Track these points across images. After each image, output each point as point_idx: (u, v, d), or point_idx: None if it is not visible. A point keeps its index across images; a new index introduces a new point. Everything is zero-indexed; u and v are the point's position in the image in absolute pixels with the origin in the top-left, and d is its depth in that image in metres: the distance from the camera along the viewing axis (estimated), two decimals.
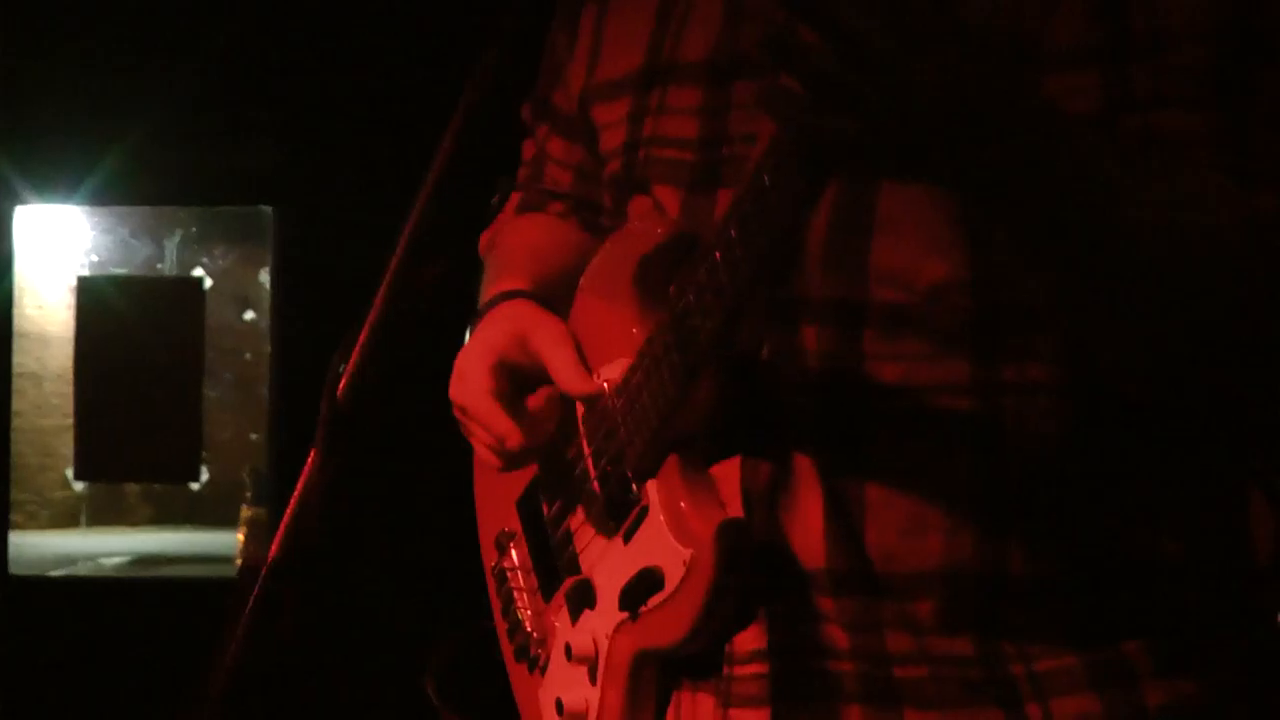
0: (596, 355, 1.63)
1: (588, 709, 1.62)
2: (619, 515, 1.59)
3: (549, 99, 1.87)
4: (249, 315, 10.96)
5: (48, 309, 10.52)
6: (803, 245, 1.48)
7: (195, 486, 10.75)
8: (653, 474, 1.54)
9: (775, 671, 1.50)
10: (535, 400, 1.72)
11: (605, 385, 1.60)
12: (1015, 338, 1.44)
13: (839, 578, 1.49)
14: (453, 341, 1.80)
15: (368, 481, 4.11)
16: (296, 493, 1.65)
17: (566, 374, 1.62)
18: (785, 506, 1.50)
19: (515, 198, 1.95)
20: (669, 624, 1.52)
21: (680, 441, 1.53)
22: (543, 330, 1.67)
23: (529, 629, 1.76)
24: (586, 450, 1.65)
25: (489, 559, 1.87)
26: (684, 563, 1.49)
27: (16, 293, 7.98)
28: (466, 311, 1.83)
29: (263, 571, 1.63)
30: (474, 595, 1.91)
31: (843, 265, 1.47)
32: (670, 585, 1.51)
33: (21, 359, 9.64)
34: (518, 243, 1.88)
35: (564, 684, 1.65)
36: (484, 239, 1.96)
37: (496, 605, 1.84)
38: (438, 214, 1.56)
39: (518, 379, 1.69)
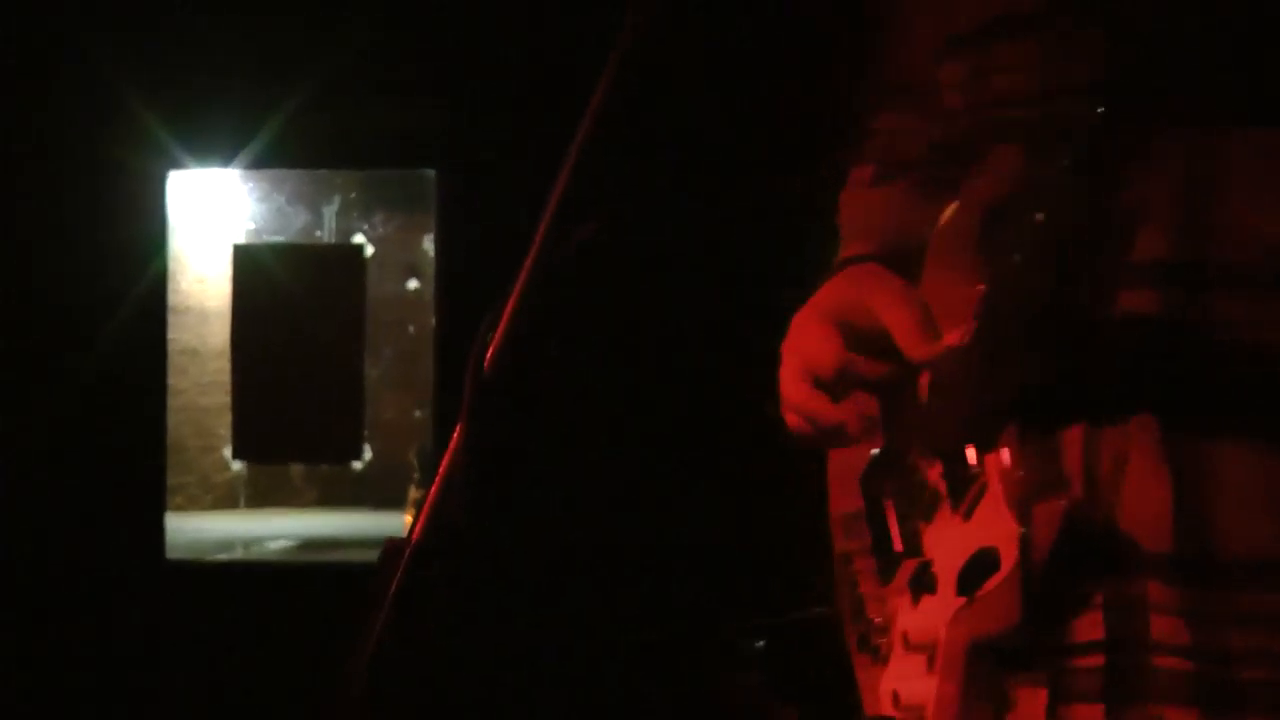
0: (945, 320, 1.63)
1: (924, 702, 1.60)
2: (960, 491, 1.59)
3: (891, 67, 1.89)
4: (412, 284, 11.07)
5: (207, 282, 10.70)
6: (1148, 202, 1.47)
7: (358, 466, 10.89)
8: (991, 446, 1.53)
9: (1110, 666, 1.48)
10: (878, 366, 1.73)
11: (947, 350, 1.60)
12: None
13: (1183, 564, 1.46)
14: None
15: (518, 457, 4.15)
16: (441, 470, 1.67)
17: (907, 336, 1.62)
18: (1128, 483, 1.48)
19: (869, 170, 1.95)
20: (1000, 609, 1.50)
21: (1018, 411, 1.52)
22: (886, 291, 1.66)
23: (870, 615, 1.75)
24: (926, 421, 1.65)
25: (836, 541, 1.87)
26: (1018, 542, 1.48)
27: (173, 264, 8.14)
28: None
29: (405, 554, 1.65)
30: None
31: (1191, 222, 1.46)
32: (1005, 567, 1.50)
33: (181, 335, 9.83)
34: (869, 212, 1.89)
35: (902, 674, 1.64)
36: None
37: (841, 590, 1.84)
38: (587, 177, 1.57)
39: (859, 342, 1.69)
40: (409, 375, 10.83)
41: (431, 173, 6.51)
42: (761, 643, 3.67)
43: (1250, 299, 1.44)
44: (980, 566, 1.52)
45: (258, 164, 6.52)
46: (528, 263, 1.63)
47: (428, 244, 10.23)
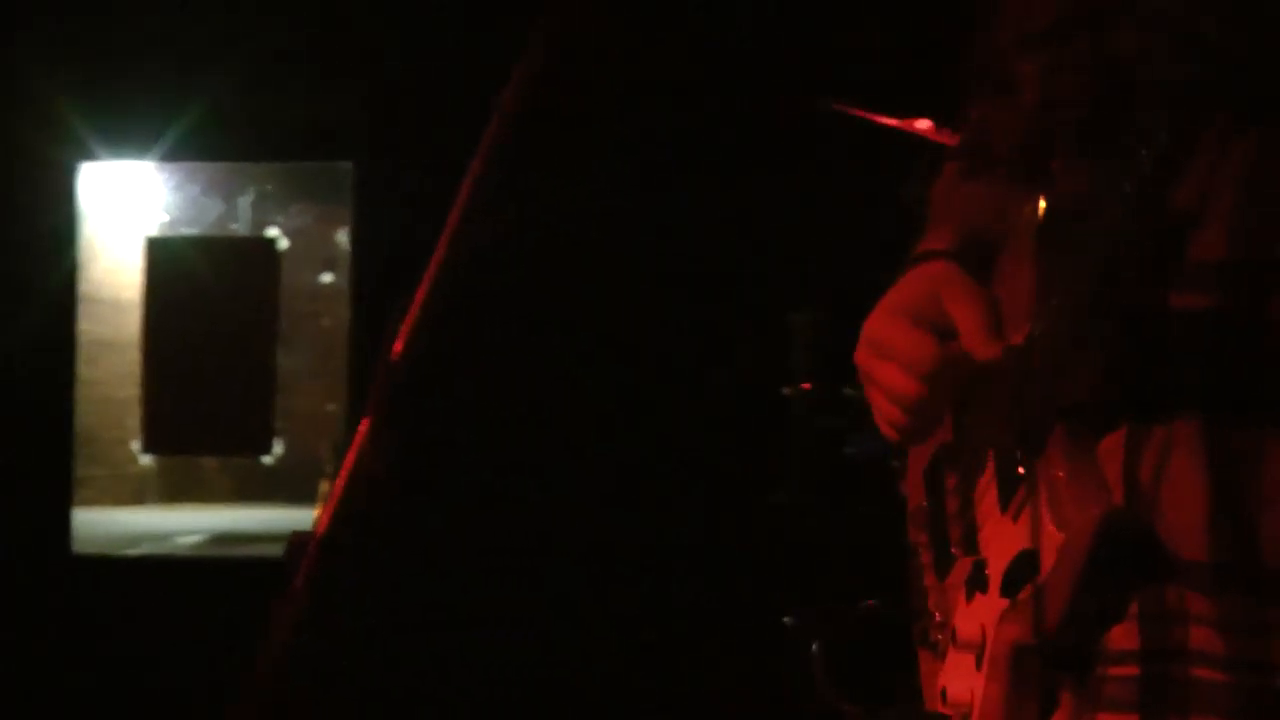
0: (1014, 320, 1.63)
1: (972, 700, 1.60)
2: (1009, 491, 1.58)
3: (980, 59, 1.88)
4: (327, 278, 11.01)
5: (121, 272, 10.61)
6: (1208, 204, 1.47)
7: (268, 460, 10.84)
8: (1041, 448, 1.53)
9: (1145, 676, 1.47)
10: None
11: (1007, 350, 1.60)
12: None
13: (1222, 573, 1.44)
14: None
15: (426, 450, 4.13)
16: (348, 462, 1.66)
17: (973, 333, 1.61)
18: (1167, 490, 1.47)
19: (959, 162, 1.94)
20: (1040, 613, 1.50)
21: (1069, 413, 1.52)
22: (957, 288, 1.66)
23: (930, 610, 1.76)
24: (985, 419, 1.65)
25: (910, 533, 1.88)
26: (1056, 548, 1.47)
27: (88, 255, 8.06)
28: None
29: (311, 546, 1.64)
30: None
31: (1249, 226, 1.46)
32: (1044, 572, 1.50)
33: (95, 326, 9.73)
34: (954, 206, 1.88)
35: (952, 671, 1.65)
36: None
37: (910, 584, 1.85)
38: (498, 172, 1.57)
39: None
40: (323, 369, 10.76)
41: (348, 165, 6.48)
42: (817, 636, 3.70)
43: None
44: (1021, 569, 1.52)
45: (172, 156, 6.48)
46: (437, 255, 1.62)
47: (343, 237, 10.18)
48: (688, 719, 5.40)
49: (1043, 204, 1.60)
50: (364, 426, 1.68)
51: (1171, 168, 1.41)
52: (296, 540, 1.67)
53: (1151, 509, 1.47)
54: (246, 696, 1.55)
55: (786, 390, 4.46)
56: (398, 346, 1.66)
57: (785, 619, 4.29)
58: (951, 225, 1.81)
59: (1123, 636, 1.49)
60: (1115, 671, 1.49)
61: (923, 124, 4.20)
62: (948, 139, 4.13)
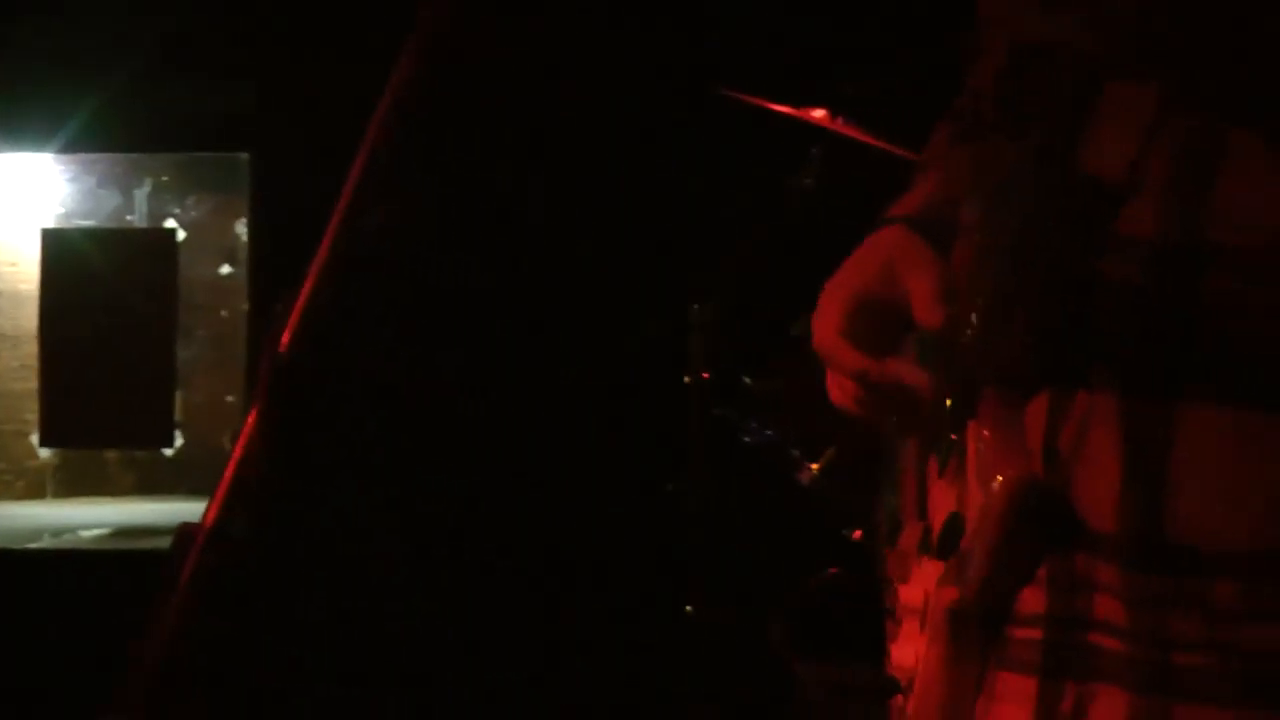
0: (964, 287, 1.64)
1: (915, 663, 1.61)
2: (945, 456, 1.61)
3: (980, 31, 1.87)
4: (225, 269, 10.95)
5: (20, 265, 10.51)
6: (1138, 181, 1.47)
7: (168, 453, 10.77)
8: (971, 412, 1.55)
9: (1047, 640, 1.49)
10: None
11: (948, 316, 1.61)
12: None
13: (1129, 546, 1.45)
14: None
15: (315, 439, 4.12)
16: (235, 454, 1.65)
17: (921, 300, 1.62)
18: (1083, 460, 1.48)
19: (950, 128, 1.93)
20: (963, 576, 1.52)
21: (996, 377, 1.54)
22: (910, 256, 1.66)
23: (889, 576, 1.77)
24: (932, 388, 1.66)
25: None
26: (978, 510, 1.49)
27: None
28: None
29: (198, 538, 1.63)
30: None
31: (1182, 204, 1.45)
32: (968, 535, 1.52)
33: None
34: (938, 170, 1.87)
35: (901, 636, 1.67)
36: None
37: (876, 551, 1.87)
38: (384, 161, 1.57)
39: (883, 313, 1.69)
40: (222, 360, 10.71)
41: (244, 156, 6.45)
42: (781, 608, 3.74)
43: (1239, 286, 1.42)
44: (951, 532, 1.55)
45: (69, 148, 6.44)
46: (324, 245, 1.62)
47: (241, 228, 10.13)
48: (586, 709, 5.41)
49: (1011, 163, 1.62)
50: (251, 418, 1.67)
51: (1092, 140, 1.44)
52: (184, 532, 1.67)
53: (1068, 478, 1.48)
54: (122, 696, 1.54)
55: (686, 379, 4.48)
56: (285, 338, 1.65)
57: (686, 608, 4.30)
58: (929, 189, 1.81)
59: (1030, 600, 1.50)
60: (1020, 634, 1.51)
61: (818, 113, 4.22)
62: (842, 128, 4.15)
